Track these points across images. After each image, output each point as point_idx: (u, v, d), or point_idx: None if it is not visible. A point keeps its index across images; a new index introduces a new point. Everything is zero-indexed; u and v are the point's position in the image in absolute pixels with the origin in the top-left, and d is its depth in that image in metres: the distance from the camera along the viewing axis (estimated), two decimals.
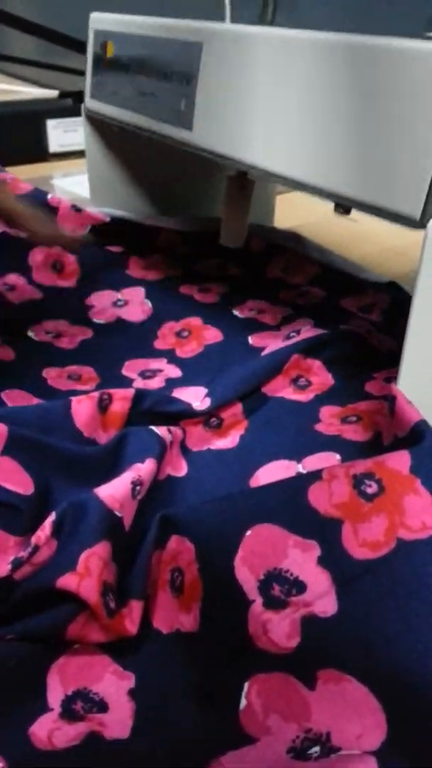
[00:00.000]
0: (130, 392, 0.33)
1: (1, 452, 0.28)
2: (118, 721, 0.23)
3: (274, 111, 0.33)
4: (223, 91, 0.36)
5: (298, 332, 0.41)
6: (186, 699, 0.23)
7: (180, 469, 0.32)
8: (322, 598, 0.23)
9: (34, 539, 0.25)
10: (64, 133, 0.80)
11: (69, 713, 0.23)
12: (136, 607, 0.25)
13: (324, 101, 0.31)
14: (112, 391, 0.33)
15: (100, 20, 0.47)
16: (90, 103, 0.50)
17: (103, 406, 0.33)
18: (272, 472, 0.32)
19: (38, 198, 0.49)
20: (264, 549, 0.25)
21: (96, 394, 0.32)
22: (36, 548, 0.24)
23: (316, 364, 0.39)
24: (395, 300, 0.45)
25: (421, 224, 0.27)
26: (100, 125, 0.53)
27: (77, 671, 0.24)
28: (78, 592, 0.23)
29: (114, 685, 0.24)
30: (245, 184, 0.47)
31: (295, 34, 0.32)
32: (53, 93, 0.86)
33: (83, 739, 0.22)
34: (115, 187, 0.55)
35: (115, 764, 0.22)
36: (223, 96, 0.36)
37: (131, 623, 0.25)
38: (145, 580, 0.26)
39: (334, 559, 0.24)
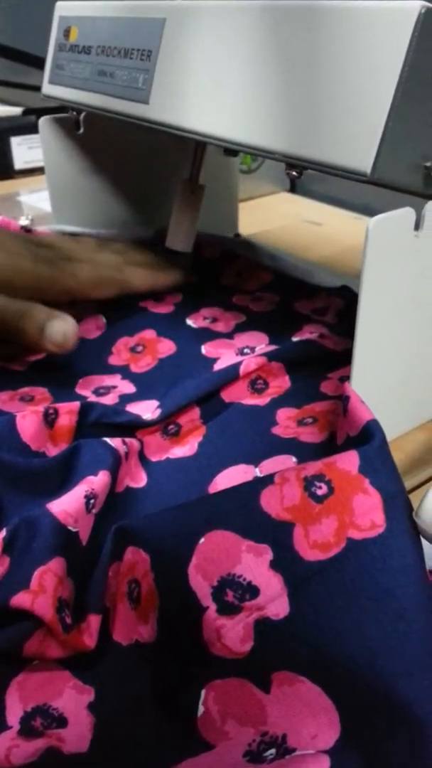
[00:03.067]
0: (75, 405, 0.33)
1: None
2: (76, 735, 0.23)
3: (228, 80, 0.34)
4: (182, 63, 0.37)
5: (252, 349, 0.41)
6: (145, 710, 0.23)
7: (139, 480, 0.32)
8: (274, 601, 0.24)
9: None
10: (29, 150, 0.80)
11: (28, 730, 0.23)
12: (94, 621, 0.25)
13: (274, 65, 0.32)
14: (57, 405, 0.33)
15: (66, 7, 0.48)
16: (47, 88, 0.50)
17: (49, 420, 0.33)
18: (230, 477, 0.32)
19: None
20: (217, 555, 0.25)
21: (41, 408, 0.32)
22: None
23: (276, 365, 0.39)
24: (348, 302, 0.46)
25: (372, 179, 0.28)
26: (58, 137, 0.53)
27: (37, 687, 0.24)
28: (32, 610, 0.23)
29: (73, 699, 0.24)
30: (197, 188, 0.47)
31: (246, 3, 0.33)
32: (17, 110, 0.86)
33: (41, 756, 0.22)
34: (77, 201, 0.55)
35: None
36: (181, 69, 0.37)
37: (89, 638, 0.25)
38: (103, 594, 0.26)
39: (286, 562, 0.24)
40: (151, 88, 0.39)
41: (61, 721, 0.23)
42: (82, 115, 0.52)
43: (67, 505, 0.27)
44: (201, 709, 0.23)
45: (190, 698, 0.23)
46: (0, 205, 0.76)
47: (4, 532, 0.25)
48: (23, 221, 0.71)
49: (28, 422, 0.32)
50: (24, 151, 0.80)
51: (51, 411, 0.33)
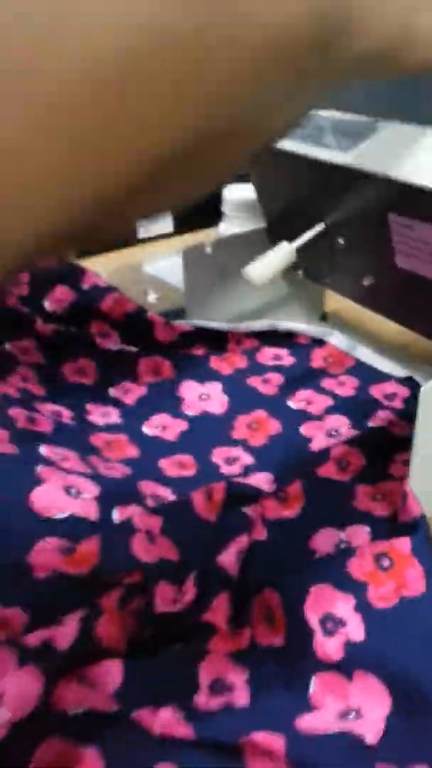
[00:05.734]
0: (221, 485, 0.50)
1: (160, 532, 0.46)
2: None
3: None
4: None
5: (337, 431, 0.57)
6: None
7: (261, 534, 0.50)
8: (356, 630, 0.40)
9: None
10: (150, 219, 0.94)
11: None
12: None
13: None
14: (212, 486, 0.50)
15: None
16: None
17: (208, 496, 0.50)
18: (324, 536, 0.49)
19: (140, 317, 0.65)
20: (322, 600, 0.42)
21: (204, 489, 0.49)
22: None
23: (356, 449, 0.55)
24: (413, 391, 0.61)
25: None
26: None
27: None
28: None
29: None
30: None
31: None
32: None
33: None
34: (211, 298, 0.68)
35: None
36: None
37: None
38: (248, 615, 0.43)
39: (363, 607, 0.41)
40: None
41: None
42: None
43: (226, 558, 0.44)
44: (311, 690, 0.40)
45: (306, 685, 0.40)
46: (120, 277, 0.78)
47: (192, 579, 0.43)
48: (151, 298, 0.83)
49: (198, 496, 0.49)
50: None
51: (210, 489, 0.50)
